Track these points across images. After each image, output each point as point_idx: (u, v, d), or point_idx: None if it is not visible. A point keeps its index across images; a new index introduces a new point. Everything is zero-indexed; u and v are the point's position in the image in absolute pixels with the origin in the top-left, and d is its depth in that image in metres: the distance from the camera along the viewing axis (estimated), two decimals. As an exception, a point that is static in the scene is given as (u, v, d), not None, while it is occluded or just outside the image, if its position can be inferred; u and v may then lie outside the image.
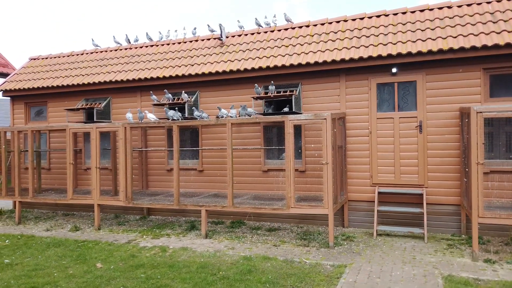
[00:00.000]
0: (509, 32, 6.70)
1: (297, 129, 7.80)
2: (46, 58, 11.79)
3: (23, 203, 9.45)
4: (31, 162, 8.86)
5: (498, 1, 7.51)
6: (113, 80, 9.53)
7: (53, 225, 8.73)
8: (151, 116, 8.20)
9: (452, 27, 7.32)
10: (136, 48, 10.66)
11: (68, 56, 11.49)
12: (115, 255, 6.41)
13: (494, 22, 7.05)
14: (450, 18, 7.55)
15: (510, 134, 6.97)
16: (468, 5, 7.70)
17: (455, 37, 7.06)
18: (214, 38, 9.88)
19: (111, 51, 11.01)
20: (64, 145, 10.20)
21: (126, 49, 10.79)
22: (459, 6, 7.77)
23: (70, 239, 7.47)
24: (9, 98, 11.28)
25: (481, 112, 5.60)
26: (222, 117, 7.73)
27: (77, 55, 11.40)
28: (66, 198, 8.53)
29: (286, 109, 7.97)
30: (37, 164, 9.72)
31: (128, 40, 10.96)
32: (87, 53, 11.32)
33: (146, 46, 10.58)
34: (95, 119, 9.47)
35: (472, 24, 7.19)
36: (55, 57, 11.68)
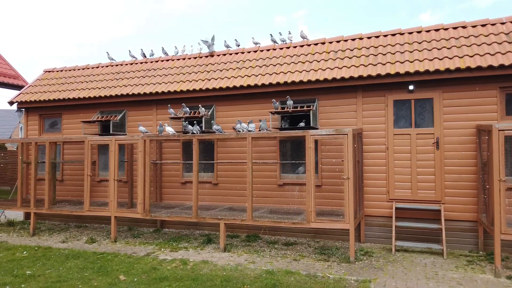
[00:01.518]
0: (525, 52, 6.87)
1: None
2: (61, 70, 11.94)
3: (37, 215, 9.43)
4: (48, 173, 8.89)
5: (512, 22, 7.71)
6: (130, 93, 9.65)
7: (68, 237, 8.72)
8: (169, 129, 8.29)
9: (468, 46, 7.49)
10: (151, 62, 10.82)
11: (83, 69, 11.64)
12: (136, 267, 6.42)
13: (509, 42, 7.23)
14: (465, 37, 7.73)
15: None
16: (483, 25, 7.90)
17: (471, 56, 7.22)
18: (230, 54, 10.05)
19: (126, 64, 11.16)
20: (77, 157, 10.28)
21: (141, 63, 10.95)
22: (474, 27, 7.97)
23: (88, 251, 7.47)
24: (23, 109, 11.39)
25: (503, 130, 5.71)
26: (242, 131, 7.81)
27: (92, 68, 11.55)
28: (82, 210, 8.54)
29: (302, 124, 8.09)
30: (52, 175, 9.74)
31: (144, 54, 11.12)
32: (102, 67, 11.46)
33: (162, 61, 10.74)
34: (111, 132, 9.55)
35: (487, 44, 7.37)
36: (69, 70, 11.83)
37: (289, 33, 9.69)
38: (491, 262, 6.41)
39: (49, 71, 12.13)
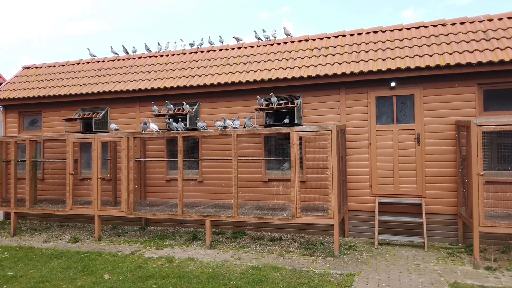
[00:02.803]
0: (502, 49, 7.07)
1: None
2: (41, 67, 11.68)
3: (18, 214, 9.24)
4: (28, 172, 8.72)
5: (489, 20, 7.92)
6: (112, 90, 9.52)
7: (50, 237, 8.58)
8: (153, 127, 8.23)
9: (447, 44, 7.66)
10: (134, 58, 10.70)
11: (64, 65, 11.42)
12: (121, 266, 6.37)
13: (487, 40, 7.43)
14: (445, 35, 7.91)
15: (502, 146, 7.30)
16: (461, 23, 8.09)
17: (451, 54, 7.39)
18: (214, 50, 10.02)
19: (108, 61, 11.00)
20: (58, 155, 10.11)
21: (124, 59, 10.81)
22: (453, 24, 8.15)
23: (72, 250, 7.37)
24: (1, 107, 11.12)
25: (481, 125, 5.88)
26: (227, 127, 7.82)
27: (73, 64, 11.35)
28: (65, 209, 8.41)
29: (286, 121, 8.14)
30: (32, 174, 9.54)
31: (126, 50, 10.98)
32: (83, 63, 11.27)
33: (145, 57, 10.62)
34: (93, 129, 9.41)
35: (466, 42, 7.55)
36: (49, 67, 11.58)
37: (274, 30, 9.71)
38: (470, 254, 6.61)
39: (28, 68, 11.85)
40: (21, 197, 9.10)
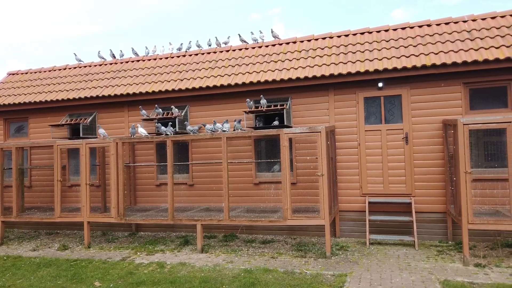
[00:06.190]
0: (486, 49, 7.19)
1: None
2: (26, 73, 11.53)
3: (5, 223, 9.07)
4: (15, 180, 8.58)
5: (473, 20, 8.05)
6: (100, 95, 9.43)
7: (39, 245, 8.45)
8: (142, 131, 8.16)
9: (433, 44, 7.76)
10: (121, 63, 10.62)
11: (50, 71, 11.29)
12: (112, 273, 6.30)
13: (471, 40, 7.54)
14: (430, 35, 8.01)
15: (488, 144, 7.41)
16: (446, 23, 8.21)
17: (436, 54, 7.49)
18: (202, 53, 10.00)
19: (95, 66, 10.90)
20: (46, 162, 9.96)
21: (111, 64, 10.73)
22: (438, 25, 8.27)
23: (61, 258, 7.26)
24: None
25: (467, 124, 5.96)
26: (217, 131, 7.79)
27: (59, 70, 11.22)
28: (53, 216, 8.29)
29: (276, 123, 8.14)
30: (19, 182, 9.39)
31: (113, 55, 10.90)
32: (69, 68, 11.15)
33: (132, 61, 10.55)
34: (81, 135, 9.30)
35: (451, 42, 7.66)
36: (35, 72, 11.44)
37: (261, 32, 9.73)
38: (459, 251, 6.68)
39: (14, 74, 11.69)
40: (8, 205, 8.94)
